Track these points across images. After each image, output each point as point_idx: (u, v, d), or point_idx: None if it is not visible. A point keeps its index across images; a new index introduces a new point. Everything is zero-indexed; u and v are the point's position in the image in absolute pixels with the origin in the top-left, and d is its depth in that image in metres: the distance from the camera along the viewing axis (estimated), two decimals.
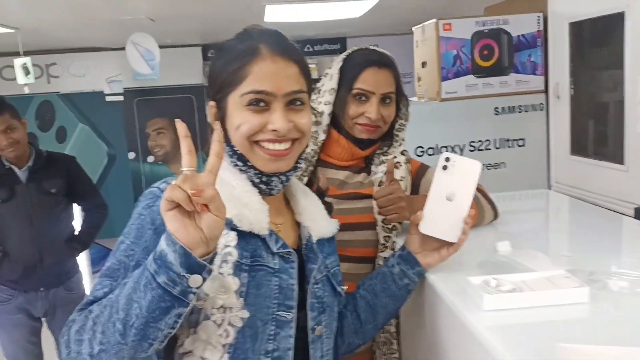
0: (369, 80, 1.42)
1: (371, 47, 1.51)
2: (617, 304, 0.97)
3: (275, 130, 0.93)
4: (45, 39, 4.12)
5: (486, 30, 2.66)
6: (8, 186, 2.51)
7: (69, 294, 2.68)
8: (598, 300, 0.96)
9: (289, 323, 0.94)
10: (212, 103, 0.98)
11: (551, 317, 0.93)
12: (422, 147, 2.67)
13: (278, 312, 0.93)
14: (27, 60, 3.36)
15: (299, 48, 1.02)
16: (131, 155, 4.92)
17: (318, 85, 1.49)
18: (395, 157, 1.49)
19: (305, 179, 1.36)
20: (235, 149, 0.96)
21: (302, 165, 1.04)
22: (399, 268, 1.13)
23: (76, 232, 2.78)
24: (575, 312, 0.94)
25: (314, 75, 5.31)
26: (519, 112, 2.73)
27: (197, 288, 0.77)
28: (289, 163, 0.98)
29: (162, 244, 0.76)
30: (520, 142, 2.75)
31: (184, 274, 0.75)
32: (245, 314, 0.89)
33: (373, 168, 1.51)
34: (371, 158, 1.53)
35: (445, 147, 2.71)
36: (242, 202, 0.94)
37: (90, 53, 4.91)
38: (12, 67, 4.73)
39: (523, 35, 2.68)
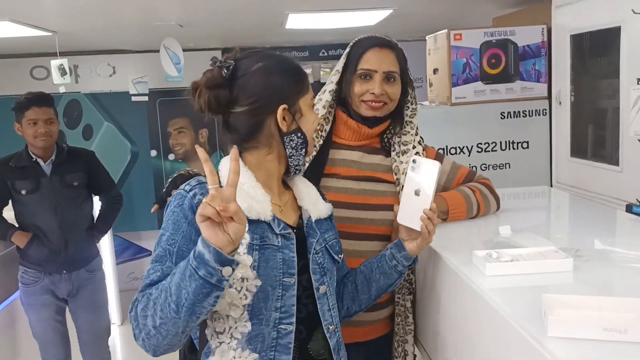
0: (372, 59, 1.52)
1: (376, 35, 1.58)
2: (596, 273, 1.18)
3: (318, 122, 1.31)
4: (77, 41, 4.36)
5: (494, 41, 2.86)
6: (34, 178, 2.71)
7: (90, 275, 2.89)
8: (580, 270, 1.18)
9: (292, 286, 1.19)
10: (285, 106, 1.22)
11: (541, 282, 1.14)
12: (432, 148, 2.87)
13: (283, 279, 1.18)
14: (64, 61, 3.59)
15: None
16: (153, 152, 5.15)
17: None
18: (414, 146, 1.59)
19: (312, 156, 1.52)
20: (307, 139, 1.25)
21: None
22: (390, 251, 1.37)
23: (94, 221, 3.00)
24: (561, 278, 1.16)
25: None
26: (524, 116, 2.92)
27: (229, 276, 1.01)
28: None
29: (200, 247, 0.99)
30: (524, 145, 2.95)
31: (218, 268, 0.98)
32: (258, 283, 1.14)
33: (394, 155, 1.59)
34: (386, 141, 1.61)
35: (455, 148, 2.91)
36: (249, 195, 1.18)
37: (117, 55, 5.15)
38: (43, 67, 5.00)
39: (528, 46, 2.88)
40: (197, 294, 1.00)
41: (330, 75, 1.61)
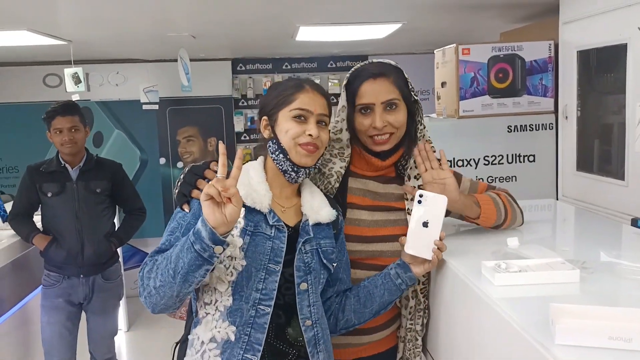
0: (367, 93, 1.50)
1: (372, 61, 1.56)
2: (602, 285, 1.22)
3: (310, 135, 1.37)
4: (90, 50, 4.44)
5: (501, 55, 2.91)
6: (60, 182, 2.86)
7: (105, 282, 2.98)
8: (586, 281, 1.21)
9: (276, 272, 1.33)
10: (264, 117, 1.43)
11: (548, 293, 1.17)
12: (439, 161, 2.91)
13: (268, 264, 1.33)
14: (78, 70, 3.66)
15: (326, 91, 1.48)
16: (162, 160, 5.21)
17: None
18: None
19: (336, 186, 1.55)
20: (282, 145, 1.38)
21: (317, 168, 1.50)
22: (396, 271, 1.46)
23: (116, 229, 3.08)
24: (567, 289, 1.19)
25: (336, 90, 5.60)
26: (530, 130, 2.97)
27: (220, 254, 1.18)
28: (313, 160, 1.41)
29: (199, 224, 1.18)
30: (531, 158, 2.99)
31: (211, 245, 1.16)
32: (244, 263, 1.30)
33: (406, 180, 1.59)
34: (401, 168, 1.61)
35: (462, 160, 2.95)
36: (252, 187, 1.36)
37: (127, 64, 5.23)
38: (55, 75, 5.08)
39: (535, 61, 2.93)
40: (191, 265, 1.18)
41: (338, 110, 1.58)
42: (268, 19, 3.27)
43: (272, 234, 1.34)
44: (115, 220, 3.12)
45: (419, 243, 1.40)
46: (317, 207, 1.43)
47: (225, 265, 1.30)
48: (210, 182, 1.17)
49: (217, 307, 1.33)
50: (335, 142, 1.58)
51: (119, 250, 4.49)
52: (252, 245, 1.32)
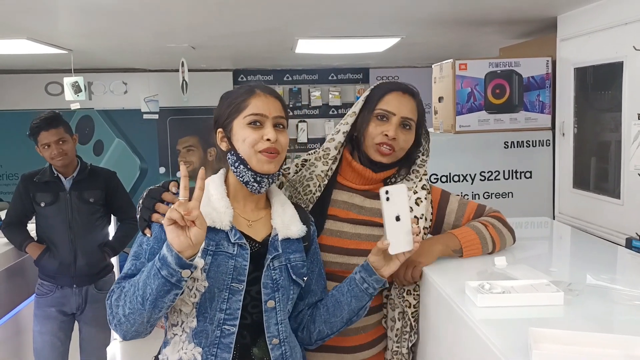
0: (392, 102, 1.51)
1: (399, 81, 1.60)
2: (586, 308, 1.20)
3: (268, 140, 1.32)
4: (91, 59, 4.46)
5: (499, 71, 2.91)
6: (54, 192, 2.85)
7: (98, 293, 2.95)
8: (571, 304, 1.19)
9: (239, 291, 1.31)
10: (219, 129, 1.38)
11: (531, 315, 1.16)
12: (436, 175, 2.90)
13: (231, 284, 1.30)
14: (79, 79, 3.68)
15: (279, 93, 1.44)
16: (162, 170, 5.22)
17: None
18: (416, 191, 1.55)
19: (317, 195, 1.53)
20: (240, 156, 1.34)
21: (282, 177, 1.52)
22: (360, 275, 1.40)
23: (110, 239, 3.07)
24: (551, 312, 1.18)
25: (337, 102, 5.61)
26: (527, 146, 2.95)
27: (188, 277, 1.17)
28: (275, 167, 1.36)
29: (164, 250, 1.15)
30: (528, 174, 2.97)
31: (178, 270, 1.15)
32: (206, 284, 1.27)
33: None
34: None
35: (458, 175, 2.94)
36: (212, 205, 1.32)
37: (129, 73, 5.25)
38: (57, 83, 5.11)
39: (533, 77, 2.93)
40: (159, 291, 1.16)
41: (346, 116, 1.59)
42: (267, 31, 3.29)
43: (235, 252, 1.31)
44: (112, 229, 3.11)
45: (399, 239, 1.35)
46: (288, 222, 1.39)
47: (188, 287, 1.28)
48: (172, 206, 1.14)
49: (183, 328, 1.32)
50: (327, 142, 1.58)
51: (114, 260, 4.52)
52: (214, 265, 1.29)
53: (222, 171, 1.41)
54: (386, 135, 1.49)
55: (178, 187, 1.38)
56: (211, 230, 1.29)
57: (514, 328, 1.10)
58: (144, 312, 1.19)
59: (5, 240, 2.95)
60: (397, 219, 1.34)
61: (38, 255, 2.83)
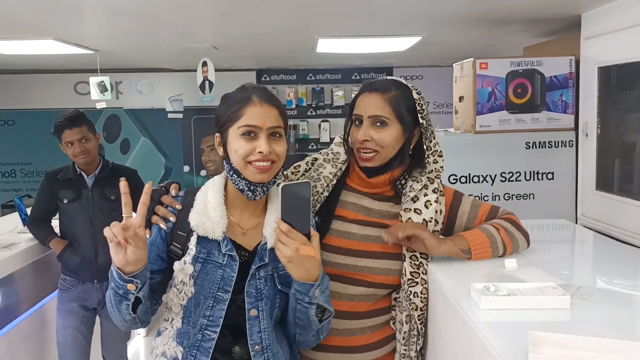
0: (360, 105, 1.49)
1: (382, 78, 1.54)
2: (593, 313, 1.17)
3: (261, 152, 1.29)
4: (118, 59, 4.55)
5: (520, 70, 2.86)
6: (76, 189, 2.92)
7: None
8: (578, 308, 1.17)
9: (224, 301, 1.32)
10: (217, 134, 1.36)
11: (535, 318, 1.14)
12: (455, 175, 2.87)
13: (217, 293, 1.32)
14: (105, 78, 3.75)
15: (278, 99, 1.40)
16: (186, 168, 5.29)
17: None
18: (426, 194, 1.50)
19: (324, 196, 1.51)
20: (233, 165, 1.32)
21: (280, 180, 1.45)
22: (291, 291, 1.31)
23: None
24: (557, 315, 1.15)
25: None
26: (549, 147, 2.90)
27: (136, 290, 1.21)
28: (269, 176, 1.33)
29: (112, 266, 1.21)
30: (550, 176, 2.91)
31: (123, 283, 1.21)
32: (193, 290, 1.31)
33: (404, 203, 1.51)
34: (400, 187, 1.55)
35: (478, 176, 2.90)
36: (207, 214, 1.33)
37: (155, 73, 5.34)
38: (86, 82, 5.22)
39: (555, 76, 2.87)
40: (115, 299, 1.25)
41: (346, 121, 1.59)
42: (287, 31, 3.30)
43: (224, 262, 1.32)
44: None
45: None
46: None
47: (178, 290, 1.32)
48: (110, 226, 1.17)
49: (172, 325, 1.37)
50: (336, 145, 1.59)
51: None
52: (203, 273, 1.31)
53: (223, 174, 1.40)
54: (357, 139, 1.48)
55: (179, 189, 1.41)
56: (204, 238, 1.32)
57: (516, 331, 1.08)
58: (116, 314, 1.28)
59: (30, 235, 3.03)
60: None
61: (61, 251, 2.90)
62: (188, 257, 1.31)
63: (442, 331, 1.42)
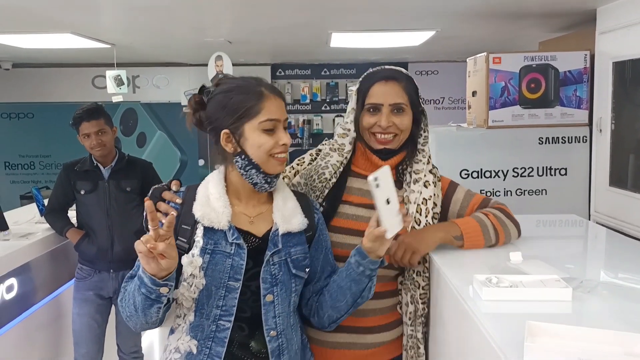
0: (377, 94, 1.53)
1: (384, 67, 1.59)
2: (595, 305, 1.17)
3: (284, 144, 1.35)
4: (134, 53, 4.61)
5: (534, 65, 2.84)
6: (93, 180, 2.97)
7: None
8: (580, 300, 1.17)
9: (235, 289, 1.34)
10: (225, 131, 1.34)
11: (536, 310, 1.14)
12: (467, 170, 2.86)
13: (228, 282, 1.33)
14: (121, 72, 3.80)
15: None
16: (201, 162, 5.34)
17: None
18: (425, 175, 1.59)
19: (332, 182, 1.56)
20: (252, 160, 1.34)
21: (297, 167, 1.63)
22: (355, 259, 1.39)
23: None
24: (558, 307, 1.15)
25: None
26: (563, 142, 2.87)
27: (168, 292, 1.22)
28: (285, 166, 1.42)
29: (140, 271, 1.21)
30: (563, 172, 2.89)
31: (155, 288, 1.21)
32: (204, 282, 1.31)
33: (405, 185, 1.60)
34: (401, 172, 1.62)
35: (490, 171, 2.89)
36: (210, 205, 1.34)
37: (172, 67, 5.39)
38: (104, 76, 5.30)
39: (570, 71, 2.84)
40: (143, 304, 1.24)
41: (348, 112, 1.61)
42: (301, 26, 3.31)
43: (232, 251, 1.33)
44: None
45: (391, 222, 1.34)
46: (289, 215, 1.39)
47: (188, 283, 1.32)
48: (141, 240, 1.17)
49: (184, 320, 1.37)
50: (339, 137, 1.62)
51: None
52: (212, 263, 1.32)
53: (221, 169, 1.40)
54: (379, 126, 1.53)
55: (180, 185, 1.44)
56: (210, 229, 1.33)
57: (516, 322, 1.08)
58: (139, 317, 1.28)
59: (47, 225, 3.10)
60: (387, 202, 1.33)
61: (77, 241, 2.96)
62: (196, 250, 1.31)
63: (443, 320, 1.43)
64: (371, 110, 1.55)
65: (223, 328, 1.34)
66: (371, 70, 1.61)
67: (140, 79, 5.42)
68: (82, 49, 3.92)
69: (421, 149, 1.62)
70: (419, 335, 1.56)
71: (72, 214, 3.12)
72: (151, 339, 4.41)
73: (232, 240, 1.33)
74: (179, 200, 1.39)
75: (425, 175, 1.59)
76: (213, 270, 1.32)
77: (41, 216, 3.18)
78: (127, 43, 3.91)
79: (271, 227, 1.39)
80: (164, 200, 1.39)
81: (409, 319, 1.57)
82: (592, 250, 1.83)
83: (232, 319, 1.34)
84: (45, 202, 3.23)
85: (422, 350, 1.57)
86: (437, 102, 5.78)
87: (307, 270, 1.43)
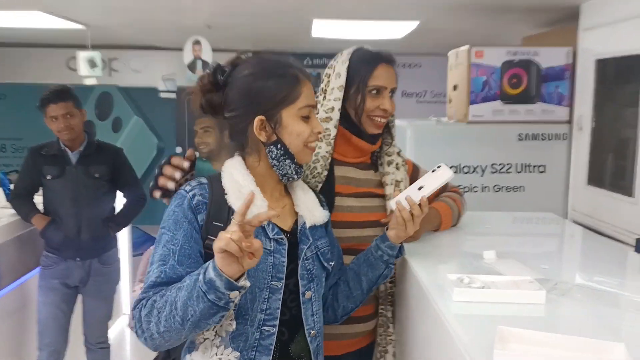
0: (382, 76, 1.51)
1: (369, 48, 1.56)
2: (570, 309, 1.13)
3: (319, 132, 1.26)
4: (111, 35, 4.47)
5: (516, 60, 2.80)
6: (60, 165, 2.85)
7: (102, 267, 2.98)
8: (553, 303, 1.12)
9: (279, 290, 1.22)
10: (262, 117, 1.21)
11: (509, 312, 1.10)
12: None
13: (272, 282, 1.21)
14: (95, 54, 3.68)
15: None
16: (178, 149, 5.23)
17: (322, 86, 1.57)
18: (398, 154, 1.62)
19: (324, 175, 1.51)
20: (289, 150, 1.23)
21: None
22: (375, 242, 1.38)
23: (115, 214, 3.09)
24: (531, 310, 1.11)
25: None
26: (542, 139, 2.84)
27: (237, 296, 1.07)
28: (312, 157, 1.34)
29: (211, 273, 1.03)
30: (541, 169, 2.86)
31: (227, 293, 1.04)
32: (248, 284, 1.11)
33: (381, 169, 1.61)
34: (375, 156, 1.63)
35: (468, 167, 2.85)
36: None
37: (150, 51, 5.26)
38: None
39: (552, 67, 2.81)
40: (204, 313, 1.06)
41: (331, 91, 1.54)
42: (282, 12, 3.23)
43: (272, 248, 1.21)
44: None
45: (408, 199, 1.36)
46: (312, 208, 1.31)
47: None
48: (228, 236, 1.00)
49: (216, 332, 1.21)
50: (323, 122, 1.54)
51: (126, 234, 4.58)
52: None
53: (239, 159, 1.26)
54: (384, 109, 1.52)
55: (193, 154, 1.42)
56: None
57: (487, 325, 1.04)
58: (182, 331, 1.09)
59: (12, 211, 2.98)
60: (420, 188, 1.37)
61: (43, 227, 2.85)
62: None
63: (413, 317, 1.38)
64: (374, 92, 1.51)
65: (268, 334, 1.21)
66: (356, 48, 1.55)
67: (117, 62, 5.29)
68: (55, 29, 3.78)
69: (394, 131, 1.64)
70: (389, 314, 1.57)
71: (39, 199, 3.02)
72: (122, 327, 4.32)
73: (273, 236, 1.22)
74: (186, 164, 1.33)
75: (396, 158, 1.62)
76: (255, 270, 1.17)
77: (7, 201, 3.06)
78: (103, 24, 3.79)
79: (295, 220, 1.30)
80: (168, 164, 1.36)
81: (380, 297, 1.59)
82: (567, 250, 1.80)
83: (277, 323, 1.21)
84: (12, 187, 3.11)
85: (391, 329, 1.58)
86: (419, 95, 5.74)
87: (332, 264, 1.36)
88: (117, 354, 3.61)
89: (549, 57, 2.80)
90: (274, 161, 1.24)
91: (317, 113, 1.48)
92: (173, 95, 4.91)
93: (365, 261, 1.38)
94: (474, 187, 2.83)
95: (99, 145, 2.97)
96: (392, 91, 1.55)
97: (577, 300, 1.16)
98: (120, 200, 3.16)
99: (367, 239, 1.50)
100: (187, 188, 1.21)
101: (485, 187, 2.85)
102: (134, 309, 1.15)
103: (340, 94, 1.52)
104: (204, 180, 1.23)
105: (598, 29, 2.59)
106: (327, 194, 1.52)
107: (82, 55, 3.72)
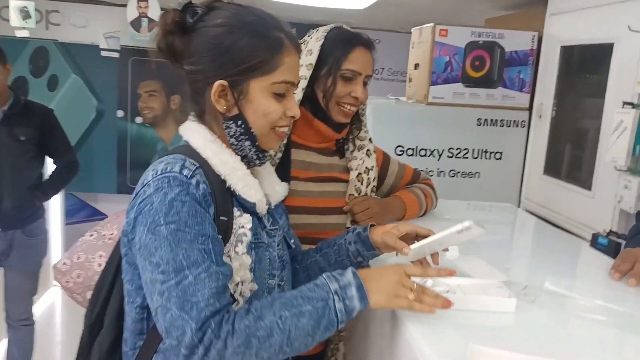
0: (358, 60, 1.39)
1: (349, 28, 1.45)
2: (541, 318, 1.03)
3: (292, 117, 1.05)
4: None
5: (481, 42, 2.69)
6: None
7: (27, 239, 2.73)
8: (524, 312, 1.02)
9: (272, 288, 1.06)
10: (223, 82, 0.99)
11: (477, 322, 0.99)
12: (402, 147, 2.71)
13: (269, 281, 1.05)
14: (29, 3, 3.32)
15: None
16: (120, 113, 4.90)
17: None
18: (367, 143, 1.53)
19: (278, 157, 1.39)
20: (250, 130, 1.02)
21: None
22: (355, 247, 1.16)
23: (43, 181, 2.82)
24: (501, 320, 1.00)
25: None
26: (501, 126, 2.77)
27: None
28: (280, 144, 1.20)
29: (356, 303, 0.92)
30: (498, 155, 2.80)
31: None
32: (254, 287, 0.98)
33: (348, 155, 1.52)
34: (341, 142, 1.53)
35: (425, 150, 2.75)
36: (248, 184, 1.02)
37: (93, 5, 4.85)
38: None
39: (516, 52, 2.72)
40: (328, 333, 0.93)
41: (303, 66, 1.39)
42: None
43: (267, 241, 1.06)
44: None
45: (420, 251, 1.12)
46: (274, 183, 1.16)
47: (231, 294, 0.96)
48: (418, 286, 0.96)
49: None
50: None
51: (58, 202, 4.28)
52: (257, 261, 1.02)
53: (205, 129, 1.04)
54: (354, 97, 1.40)
55: None
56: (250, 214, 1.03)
57: (453, 337, 0.93)
58: (303, 347, 0.92)
59: None
60: (440, 247, 1.14)
61: None
62: (241, 247, 0.98)
63: (367, 335, 1.26)
64: (347, 76, 1.39)
65: None
66: (334, 26, 1.42)
67: (56, 15, 4.85)
68: None
69: (364, 118, 1.53)
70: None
71: None
72: (52, 300, 4.06)
73: (270, 227, 1.08)
74: None
75: (367, 144, 1.53)
76: (258, 269, 1.01)
77: None
78: None
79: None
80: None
81: None
82: (529, 246, 1.72)
83: None
84: None
85: (344, 333, 1.46)
86: (377, 72, 5.60)
87: (293, 240, 1.19)
88: (45, 331, 3.36)
89: (514, 41, 2.71)
90: (232, 139, 1.04)
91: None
92: (116, 55, 4.57)
93: (338, 263, 1.17)
94: (430, 171, 2.74)
95: (27, 105, 2.68)
96: (367, 78, 1.43)
97: (547, 309, 1.07)
98: (51, 167, 2.90)
99: (327, 227, 1.43)
100: (186, 173, 0.94)
101: (442, 171, 2.76)
102: (200, 329, 0.86)
103: (308, 73, 1.39)
104: (193, 161, 0.97)
105: (565, 15, 2.51)
106: (282, 178, 1.33)
107: (14, 4, 3.35)
